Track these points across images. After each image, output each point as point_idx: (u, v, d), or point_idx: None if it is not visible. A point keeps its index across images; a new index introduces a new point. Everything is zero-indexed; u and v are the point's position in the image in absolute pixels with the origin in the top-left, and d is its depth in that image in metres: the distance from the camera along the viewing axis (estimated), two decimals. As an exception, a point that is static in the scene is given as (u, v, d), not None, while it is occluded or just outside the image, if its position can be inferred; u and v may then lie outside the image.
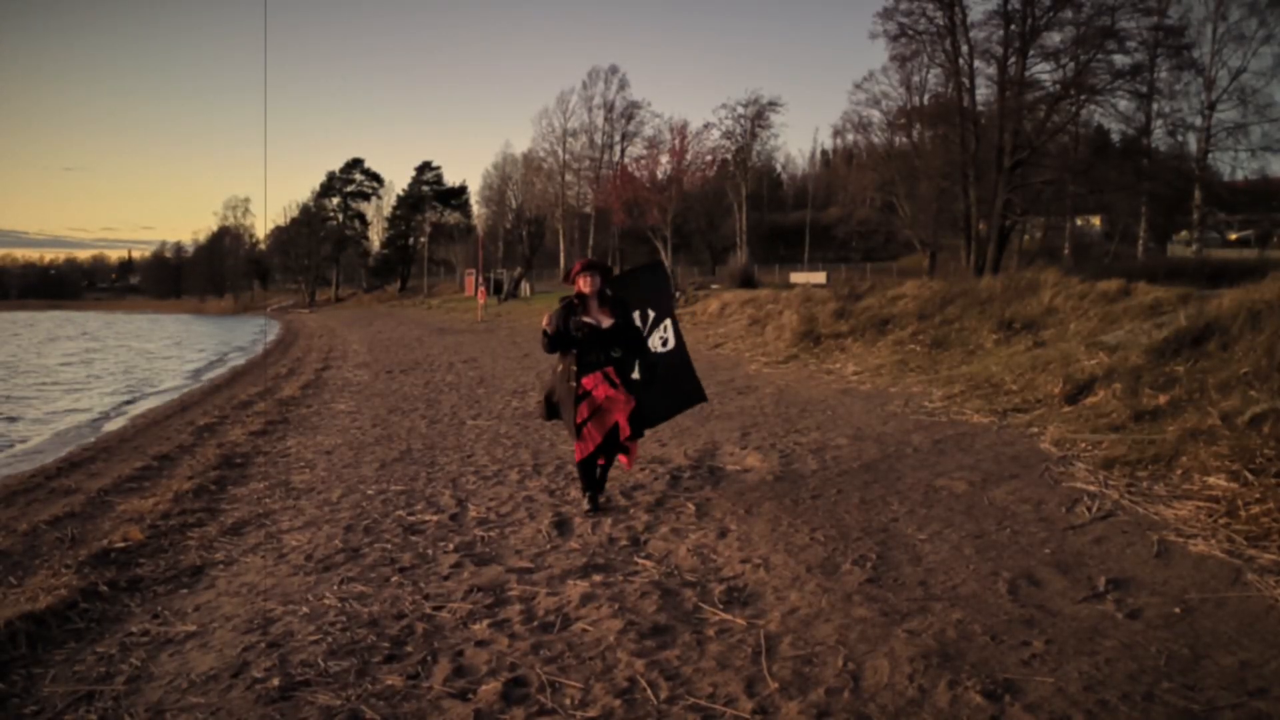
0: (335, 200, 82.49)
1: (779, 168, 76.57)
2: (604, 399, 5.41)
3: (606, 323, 5.51)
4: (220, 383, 18.51)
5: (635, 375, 5.69)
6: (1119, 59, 32.50)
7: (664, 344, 6.18)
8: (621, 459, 5.78)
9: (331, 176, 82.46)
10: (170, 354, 30.78)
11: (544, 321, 5.53)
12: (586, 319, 5.47)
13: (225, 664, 3.60)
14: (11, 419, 14.20)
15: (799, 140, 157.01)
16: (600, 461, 5.78)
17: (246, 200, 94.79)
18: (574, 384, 5.46)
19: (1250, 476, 5.26)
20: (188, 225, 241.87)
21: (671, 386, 6.17)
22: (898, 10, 34.81)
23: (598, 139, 64.03)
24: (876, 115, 41.46)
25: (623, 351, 5.56)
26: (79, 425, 13.51)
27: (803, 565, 4.54)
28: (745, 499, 5.93)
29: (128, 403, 16.43)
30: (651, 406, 5.91)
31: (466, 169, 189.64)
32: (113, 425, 13.04)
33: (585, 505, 5.69)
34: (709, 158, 56.97)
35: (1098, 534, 4.90)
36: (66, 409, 15.50)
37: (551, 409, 5.80)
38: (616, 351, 5.52)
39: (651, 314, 6.13)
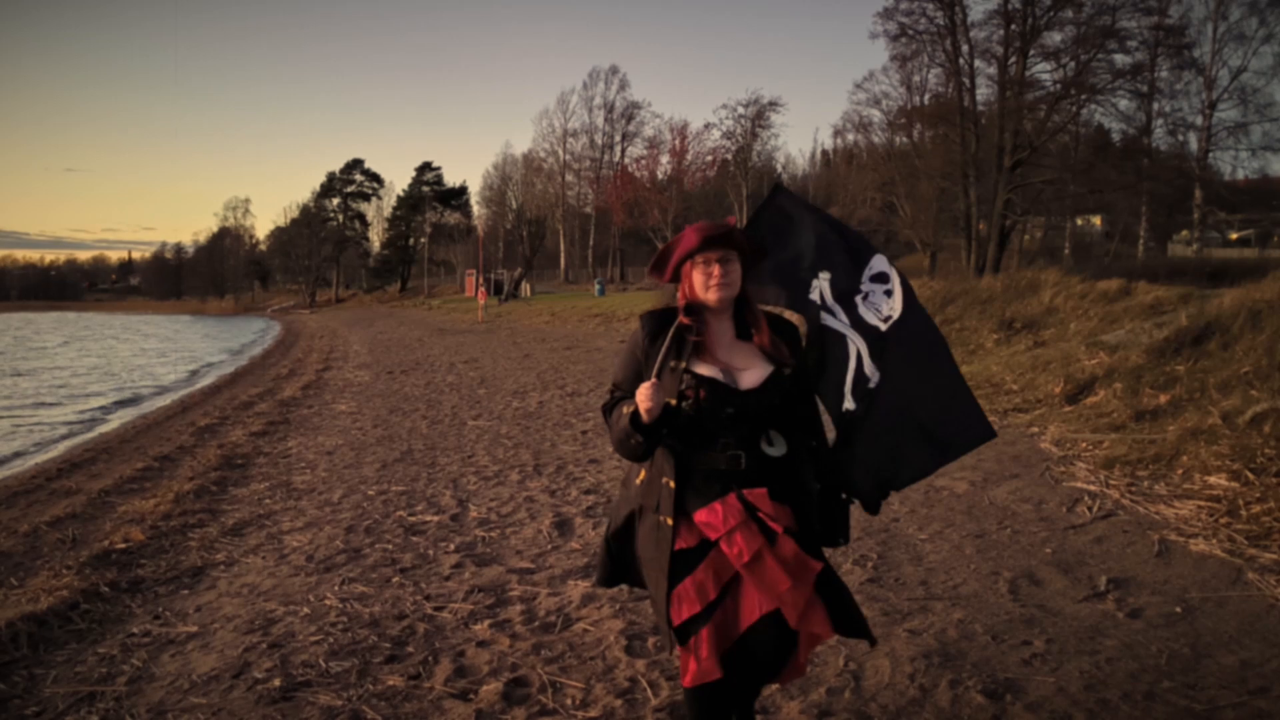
0: (335, 201, 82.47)
1: (779, 168, 76.33)
2: (746, 563, 2.23)
3: (753, 376, 2.35)
4: (222, 383, 18.53)
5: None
6: (1119, 58, 32.47)
7: (883, 317, 2.57)
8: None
9: (332, 177, 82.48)
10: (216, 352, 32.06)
11: (642, 397, 2.21)
12: (704, 370, 2.33)
13: (226, 664, 3.60)
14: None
15: (799, 140, 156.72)
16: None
17: (247, 201, 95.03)
18: (670, 520, 2.31)
19: (1251, 476, 5.26)
20: (188, 226, 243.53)
21: (923, 409, 2.72)
22: (898, 10, 34.77)
23: (598, 139, 64.01)
24: (877, 115, 41.46)
25: (788, 444, 2.38)
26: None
27: (803, 565, 4.54)
28: (746, 499, 5.92)
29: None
30: (882, 457, 2.55)
31: (466, 169, 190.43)
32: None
33: None
34: (709, 158, 57.10)
35: (1098, 533, 4.90)
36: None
37: (618, 564, 2.54)
38: (775, 445, 2.36)
39: (826, 279, 2.60)
